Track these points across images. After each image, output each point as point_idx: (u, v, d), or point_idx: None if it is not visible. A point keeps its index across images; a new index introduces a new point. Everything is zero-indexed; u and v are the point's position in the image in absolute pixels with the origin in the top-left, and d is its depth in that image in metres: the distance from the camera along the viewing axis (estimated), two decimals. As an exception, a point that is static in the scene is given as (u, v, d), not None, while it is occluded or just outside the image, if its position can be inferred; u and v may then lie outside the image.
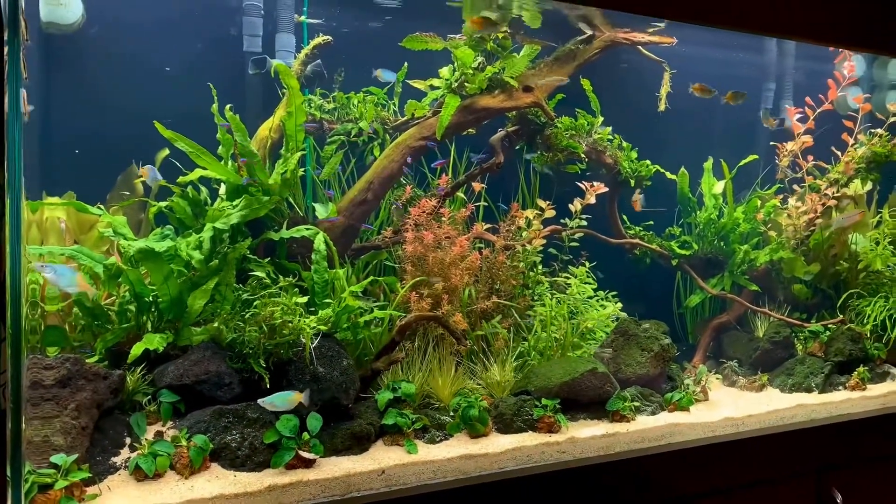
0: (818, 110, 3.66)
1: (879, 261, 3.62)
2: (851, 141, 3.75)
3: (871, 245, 3.69)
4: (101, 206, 2.48)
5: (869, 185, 3.73)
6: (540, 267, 3.19)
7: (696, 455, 2.65)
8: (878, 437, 3.10)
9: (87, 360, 2.15)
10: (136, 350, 2.22)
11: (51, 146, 2.62)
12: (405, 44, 2.87)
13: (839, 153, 3.70)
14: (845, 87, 3.71)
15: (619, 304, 3.21)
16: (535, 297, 3.10)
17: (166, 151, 2.72)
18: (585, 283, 3.17)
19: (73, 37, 2.62)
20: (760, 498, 2.78)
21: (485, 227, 3.09)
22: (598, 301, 3.22)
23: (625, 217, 3.56)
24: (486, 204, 3.23)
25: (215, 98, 2.60)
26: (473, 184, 3.11)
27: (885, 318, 3.49)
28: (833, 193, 3.64)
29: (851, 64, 3.68)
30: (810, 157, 3.73)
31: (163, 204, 2.60)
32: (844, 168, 3.59)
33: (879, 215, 3.80)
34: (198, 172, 2.58)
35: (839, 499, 2.90)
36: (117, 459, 2.11)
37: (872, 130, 3.77)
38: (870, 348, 3.43)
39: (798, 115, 3.71)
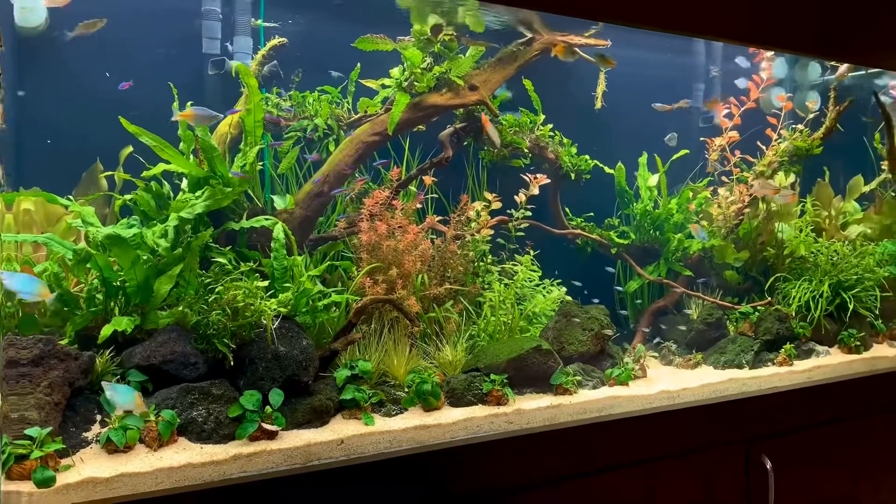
0: (742, 108, 3.95)
1: (803, 247, 3.91)
2: (775, 136, 4.05)
3: (796, 233, 3.98)
4: (70, 198, 2.60)
5: (792, 177, 4.02)
6: (489, 256, 3.39)
7: (634, 424, 2.86)
8: (803, 408, 3.35)
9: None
10: (106, 331, 2.34)
11: (17, 143, 2.72)
12: (357, 45, 3.05)
13: (764, 147, 3.99)
14: (766, 88, 4.01)
15: (564, 289, 3.43)
16: (486, 286, 3.29)
17: (130, 148, 2.85)
18: (531, 270, 3.38)
19: (38, 39, 2.74)
20: (696, 464, 2.99)
21: (437, 219, 3.28)
22: (543, 288, 3.43)
23: (567, 209, 3.79)
24: (436, 196, 3.42)
25: (176, 96, 2.74)
26: (424, 177, 3.29)
27: (809, 299, 3.76)
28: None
29: (769, 64, 3.98)
30: (737, 152, 4.00)
31: (127, 197, 2.72)
32: (767, 164, 3.87)
33: (802, 205, 4.10)
34: (161, 166, 2.72)
35: (769, 465, 3.13)
36: (89, 434, 2.23)
37: (794, 126, 4.07)
38: (795, 327, 3.69)
39: (725, 112, 3.99)
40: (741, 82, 3.68)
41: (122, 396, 2.20)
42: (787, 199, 3.83)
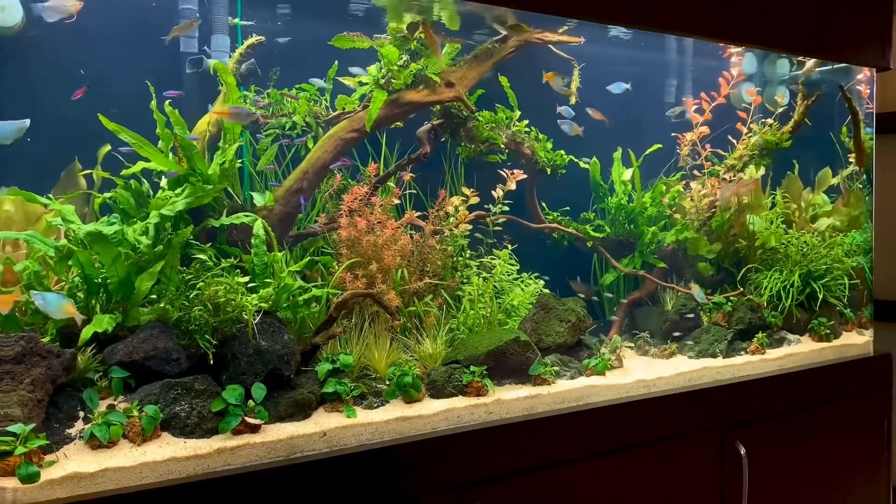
0: (713, 104, 4.03)
1: (773, 238, 4.00)
2: (745, 130, 4.14)
3: (766, 225, 4.07)
4: (51, 197, 2.61)
5: (762, 171, 4.11)
6: (468, 250, 3.44)
7: (611, 413, 2.93)
8: (775, 395, 3.45)
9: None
10: (86, 333, 2.34)
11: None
12: (334, 42, 3.08)
13: (735, 142, 4.08)
14: (736, 84, 4.10)
15: (542, 282, 3.49)
16: (464, 280, 3.34)
17: (108, 147, 2.85)
18: (509, 264, 3.43)
19: (15, 39, 2.74)
20: (671, 450, 3.07)
21: (415, 215, 3.32)
22: (521, 282, 3.48)
23: (543, 204, 3.84)
24: (414, 192, 3.45)
25: (153, 95, 2.75)
26: (402, 174, 3.33)
27: (780, 289, 3.85)
28: (731, 178, 4.00)
29: (739, 58, 4.07)
30: (708, 146, 4.09)
31: (107, 195, 2.72)
32: (737, 157, 3.96)
33: (773, 197, 4.19)
34: (141, 164, 2.73)
35: (742, 450, 3.21)
36: (72, 431, 2.24)
37: (764, 120, 4.17)
38: (767, 317, 3.79)
39: (695, 107, 4.07)
40: (616, 86, 3.71)
41: (51, 304, 2.22)
42: (750, 186, 3.92)
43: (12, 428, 2.03)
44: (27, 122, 2.56)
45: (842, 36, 3.69)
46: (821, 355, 3.74)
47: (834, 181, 4.54)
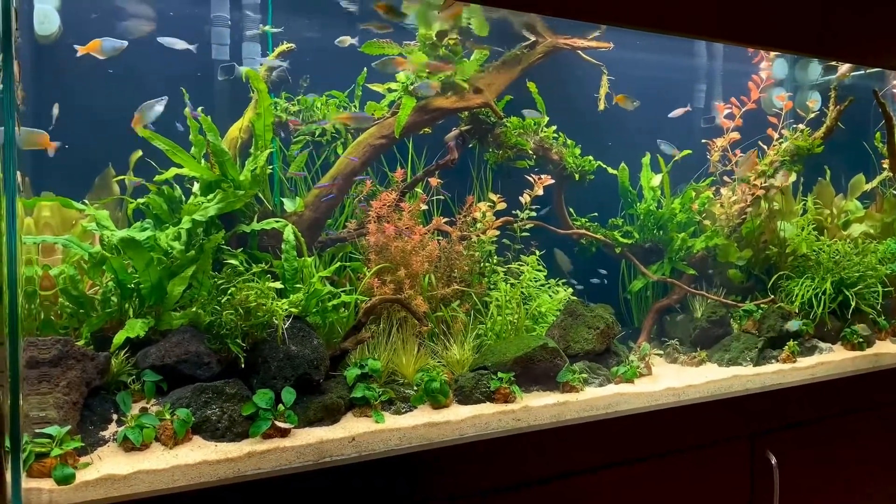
0: (743, 109, 3.99)
1: (805, 245, 3.95)
2: (776, 136, 4.09)
3: (798, 231, 4.02)
4: (86, 202, 2.65)
5: (794, 177, 4.06)
6: (495, 256, 3.43)
7: (640, 421, 2.90)
8: (806, 404, 3.39)
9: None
10: (119, 338, 2.39)
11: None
12: (364, 49, 3.11)
13: (765, 147, 4.03)
14: (766, 88, 4.05)
15: (570, 290, 3.47)
16: (492, 286, 3.33)
17: (139, 153, 2.90)
18: (537, 270, 3.42)
19: (53, 46, 2.80)
20: (700, 460, 3.03)
21: (443, 220, 3.32)
22: (548, 288, 3.47)
23: (571, 209, 3.83)
24: (442, 198, 3.46)
25: (188, 102, 2.79)
26: (430, 179, 3.34)
27: (811, 296, 3.80)
28: (761, 184, 3.96)
29: (769, 63, 4.03)
30: (738, 151, 4.05)
31: (140, 201, 2.77)
32: (768, 163, 3.91)
33: (804, 204, 4.13)
34: (173, 170, 2.77)
35: (773, 460, 3.17)
36: (106, 433, 2.28)
37: (795, 126, 4.12)
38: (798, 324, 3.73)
39: (726, 112, 4.04)
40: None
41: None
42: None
43: (48, 430, 2.07)
44: (125, 42, 2.68)
45: (876, 40, 3.63)
46: (853, 364, 3.68)
47: (867, 187, 4.48)
